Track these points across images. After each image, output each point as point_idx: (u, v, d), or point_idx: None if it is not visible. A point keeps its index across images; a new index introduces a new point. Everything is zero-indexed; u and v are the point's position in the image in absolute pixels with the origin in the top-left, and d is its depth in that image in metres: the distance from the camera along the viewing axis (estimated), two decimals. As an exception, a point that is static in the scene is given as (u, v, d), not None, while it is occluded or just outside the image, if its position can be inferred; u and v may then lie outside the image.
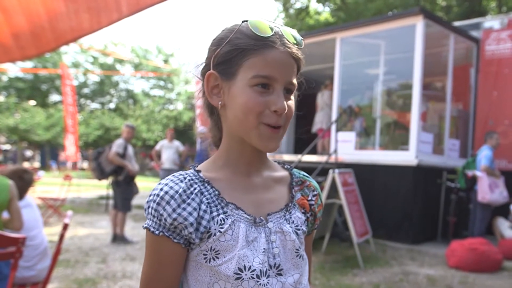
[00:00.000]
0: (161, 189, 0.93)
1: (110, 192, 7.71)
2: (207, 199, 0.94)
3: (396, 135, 8.65)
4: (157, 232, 0.92)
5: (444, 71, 8.18)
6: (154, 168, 25.02)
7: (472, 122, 8.73)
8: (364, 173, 7.33)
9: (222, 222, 0.93)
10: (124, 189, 6.88)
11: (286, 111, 0.93)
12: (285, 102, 0.93)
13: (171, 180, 0.94)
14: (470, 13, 14.53)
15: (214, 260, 0.92)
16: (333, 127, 8.06)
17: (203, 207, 0.93)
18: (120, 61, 31.64)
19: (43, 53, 3.01)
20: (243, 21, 0.95)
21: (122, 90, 34.66)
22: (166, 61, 33.59)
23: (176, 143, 9.81)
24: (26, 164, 28.73)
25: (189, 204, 0.92)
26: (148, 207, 0.94)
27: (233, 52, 0.93)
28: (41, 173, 15.20)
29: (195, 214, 0.92)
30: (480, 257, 5.62)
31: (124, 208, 6.85)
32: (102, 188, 12.51)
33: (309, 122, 9.74)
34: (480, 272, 5.56)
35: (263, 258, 0.93)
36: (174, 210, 0.91)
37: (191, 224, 0.91)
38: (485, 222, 6.70)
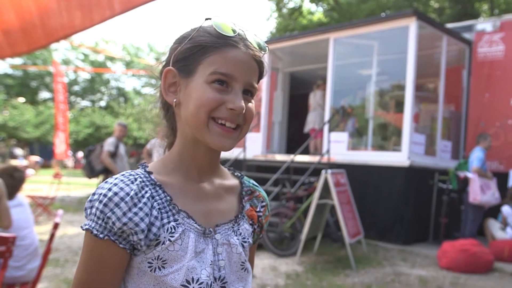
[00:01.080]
0: (109, 189, 0.85)
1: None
2: (158, 204, 0.89)
3: (389, 136, 8.67)
4: (101, 235, 0.84)
5: (437, 72, 8.22)
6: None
7: (464, 124, 8.78)
8: (357, 173, 7.34)
9: (173, 230, 0.88)
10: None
11: (244, 111, 0.90)
12: (243, 103, 0.90)
13: (121, 180, 0.87)
14: (463, 15, 14.63)
15: (160, 269, 0.87)
16: (326, 128, 8.06)
17: (154, 213, 0.87)
18: (111, 59, 31.52)
19: (33, 50, 2.96)
20: (206, 19, 0.93)
21: (113, 88, 34.57)
22: (158, 59, 33.48)
23: (168, 142, 9.75)
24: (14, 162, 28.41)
25: (141, 208, 0.85)
26: (91, 207, 0.86)
27: (194, 49, 0.91)
28: (30, 171, 15.05)
29: (146, 220, 0.86)
30: (471, 258, 5.65)
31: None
32: (92, 186, 12.41)
33: (301, 122, 9.75)
34: (471, 273, 5.59)
35: (210, 270, 0.90)
36: (124, 214, 0.84)
37: (142, 230, 0.85)
38: (477, 223, 6.74)
